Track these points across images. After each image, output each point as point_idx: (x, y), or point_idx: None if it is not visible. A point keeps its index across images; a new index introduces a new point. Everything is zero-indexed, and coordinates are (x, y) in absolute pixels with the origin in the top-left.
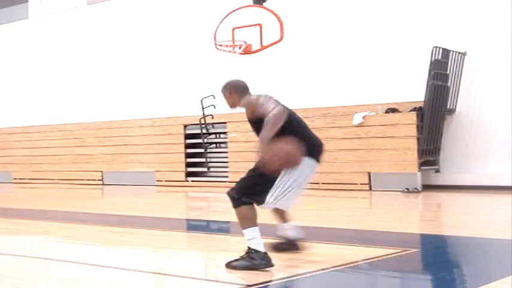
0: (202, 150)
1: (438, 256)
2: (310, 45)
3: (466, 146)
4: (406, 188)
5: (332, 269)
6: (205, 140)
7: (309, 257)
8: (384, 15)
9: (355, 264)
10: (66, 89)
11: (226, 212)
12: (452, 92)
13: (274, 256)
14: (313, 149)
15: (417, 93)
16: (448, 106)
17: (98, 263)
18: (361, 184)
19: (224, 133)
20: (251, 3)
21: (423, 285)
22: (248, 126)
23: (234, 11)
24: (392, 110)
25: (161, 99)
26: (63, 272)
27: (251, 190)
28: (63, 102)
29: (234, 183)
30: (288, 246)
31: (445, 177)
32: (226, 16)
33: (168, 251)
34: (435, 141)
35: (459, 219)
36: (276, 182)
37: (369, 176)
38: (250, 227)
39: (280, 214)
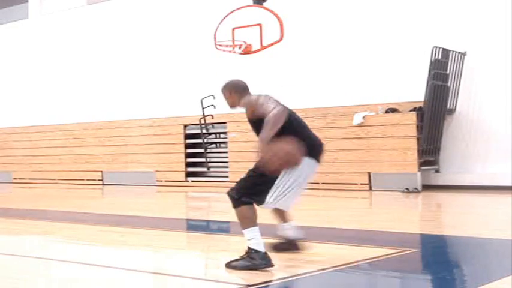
0: (202, 150)
1: (438, 256)
2: (310, 45)
3: (466, 146)
4: (406, 188)
5: (332, 269)
6: (205, 140)
7: (309, 257)
8: (384, 15)
9: (355, 264)
10: (66, 89)
11: (226, 212)
12: (452, 92)
13: (274, 256)
14: (313, 149)
15: (417, 93)
16: (448, 106)
17: (98, 263)
18: (361, 184)
19: (224, 133)
20: (251, 3)
21: (423, 285)
22: (248, 126)
23: (234, 11)
24: (392, 110)
25: (161, 99)
26: (63, 272)
27: (251, 190)
28: (63, 102)
29: (234, 183)
30: (288, 246)
31: (445, 177)
32: (226, 16)
33: (168, 251)
34: (435, 141)
35: (459, 219)
36: (276, 182)
37: (369, 176)
38: (250, 227)
39: (280, 214)
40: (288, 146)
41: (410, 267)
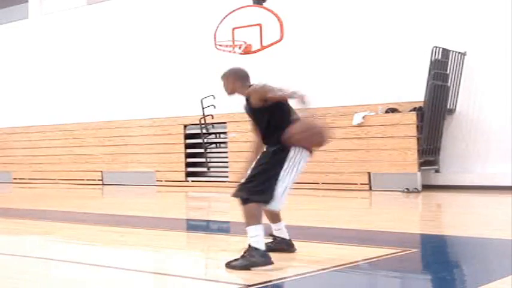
0: (202, 150)
1: (438, 256)
2: (310, 45)
3: (466, 146)
4: (406, 188)
5: (332, 269)
6: (205, 140)
7: (309, 257)
8: (384, 15)
9: (355, 264)
10: (66, 89)
11: (226, 212)
12: (452, 92)
13: (273, 256)
14: None
15: (417, 93)
16: (448, 106)
17: (98, 263)
18: (361, 184)
19: (224, 133)
20: (251, 3)
21: (423, 285)
22: (248, 126)
23: (234, 11)
24: (392, 110)
25: (161, 99)
26: (63, 272)
27: (260, 187)
28: (63, 102)
29: (236, 184)
30: (282, 246)
31: (445, 177)
32: (226, 16)
33: (168, 251)
34: (435, 141)
35: (459, 219)
36: (280, 177)
37: (369, 176)
38: (255, 224)
39: (272, 214)
40: (322, 125)
41: (410, 267)
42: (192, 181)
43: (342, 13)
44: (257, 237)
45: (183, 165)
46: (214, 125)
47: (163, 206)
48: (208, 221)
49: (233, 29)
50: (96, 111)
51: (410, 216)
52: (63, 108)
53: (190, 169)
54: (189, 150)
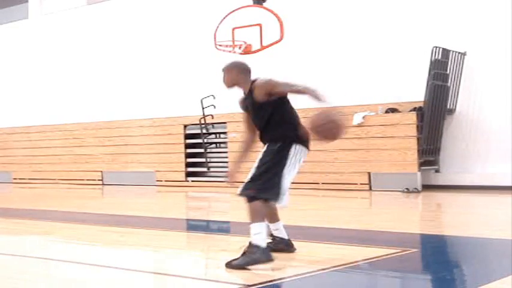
0: (202, 150)
1: (438, 256)
2: (310, 45)
3: (466, 146)
4: (406, 188)
5: (332, 269)
6: (205, 140)
7: (309, 257)
8: (384, 15)
9: (355, 264)
10: (66, 89)
11: (226, 212)
12: (452, 92)
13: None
14: (306, 137)
15: (417, 93)
16: (448, 106)
17: (98, 263)
18: (361, 184)
19: (224, 133)
20: (251, 3)
21: (423, 285)
22: None
23: (234, 11)
24: (392, 110)
25: (161, 99)
26: (63, 272)
27: (267, 185)
28: (63, 102)
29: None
30: (281, 246)
31: (445, 177)
32: (226, 16)
33: (168, 251)
34: (435, 141)
35: (459, 219)
36: (284, 174)
37: (369, 176)
38: (259, 222)
39: (270, 214)
40: (340, 117)
41: (410, 267)
42: (192, 181)
43: (342, 13)
44: (260, 234)
45: (183, 165)
46: (214, 125)
47: (163, 206)
48: (208, 221)
49: (233, 29)
50: (96, 111)
51: (410, 216)
52: (63, 108)
53: (190, 169)
54: (189, 150)
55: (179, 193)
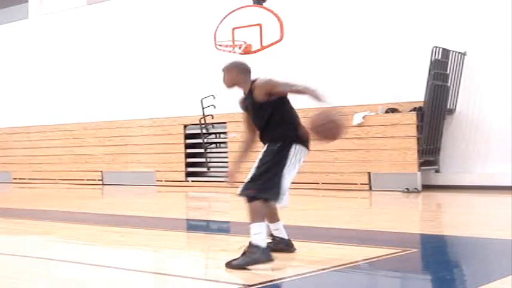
0: (202, 150)
1: (438, 256)
2: (310, 45)
3: (466, 146)
4: (406, 188)
5: (332, 269)
6: (205, 140)
7: (309, 257)
8: (384, 15)
9: (355, 264)
10: (66, 89)
11: (226, 212)
12: (452, 92)
13: (273, 256)
14: (306, 137)
15: (417, 93)
16: (448, 106)
17: (98, 263)
18: (361, 184)
19: (224, 133)
20: (251, 3)
21: (423, 285)
22: None
23: (234, 11)
24: (392, 110)
25: (161, 99)
26: (63, 272)
27: (267, 185)
28: (63, 102)
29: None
30: (281, 246)
31: (445, 177)
32: (226, 16)
33: (168, 251)
34: (435, 141)
35: (459, 219)
36: (284, 174)
37: (369, 176)
38: (259, 222)
39: (271, 214)
40: (340, 117)
41: (410, 267)
42: (192, 181)
43: (342, 13)
44: (260, 234)
45: (183, 165)
46: (214, 125)
47: (163, 206)
48: (208, 221)
49: (233, 29)
50: (96, 111)
51: (410, 216)
52: (63, 108)
53: (190, 169)
54: (189, 150)
55: (179, 193)
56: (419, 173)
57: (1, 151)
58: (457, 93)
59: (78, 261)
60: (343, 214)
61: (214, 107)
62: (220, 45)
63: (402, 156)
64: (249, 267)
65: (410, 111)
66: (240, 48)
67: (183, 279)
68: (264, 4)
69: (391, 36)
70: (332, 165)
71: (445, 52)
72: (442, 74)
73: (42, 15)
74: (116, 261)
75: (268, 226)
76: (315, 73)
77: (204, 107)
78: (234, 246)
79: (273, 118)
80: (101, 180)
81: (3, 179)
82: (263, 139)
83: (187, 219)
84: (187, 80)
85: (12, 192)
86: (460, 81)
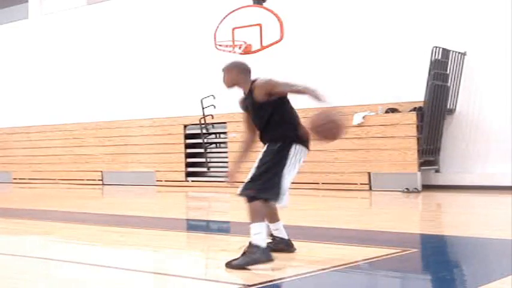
0: (202, 150)
1: (438, 256)
2: (310, 45)
3: (466, 146)
4: (406, 188)
5: (332, 269)
6: (205, 140)
7: (309, 257)
8: (384, 15)
9: (355, 264)
10: (66, 89)
11: (226, 212)
12: (452, 92)
13: (273, 256)
14: (306, 137)
15: (417, 93)
16: (448, 106)
17: (98, 263)
18: (361, 184)
19: (224, 133)
20: (251, 3)
21: (423, 285)
22: None
23: (234, 11)
24: (392, 110)
25: (161, 99)
26: (63, 272)
27: (267, 185)
28: (63, 102)
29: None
30: (281, 246)
31: (445, 177)
32: (226, 16)
33: (168, 251)
34: (435, 141)
35: (459, 219)
36: (284, 174)
37: (369, 176)
38: (259, 222)
39: (271, 214)
40: (340, 117)
41: (410, 267)
42: (192, 181)
43: (342, 13)
44: (259, 234)
45: (183, 165)
46: (214, 125)
47: (163, 206)
48: (208, 221)
49: (233, 29)
50: (96, 111)
51: (410, 216)
52: (63, 108)
53: (190, 169)
54: (189, 150)
55: (179, 193)
56: (419, 173)
57: (1, 151)
58: (457, 93)
59: (78, 261)
60: (343, 214)
61: (214, 107)
62: (220, 45)
63: (402, 156)
64: (249, 267)
65: (410, 111)
66: (240, 48)
67: (183, 279)
68: (264, 4)
69: (391, 36)
70: (332, 165)
71: (445, 52)
72: (442, 74)
73: (42, 15)
74: (116, 261)
75: (268, 226)
76: (315, 73)
77: (204, 107)
78: (234, 246)
79: (273, 118)
80: (101, 180)
81: (3, 179)
82: (263, 139)
83: (187, 219)
84: (187, 80)
85: (12, 192)
86: (460, 81)
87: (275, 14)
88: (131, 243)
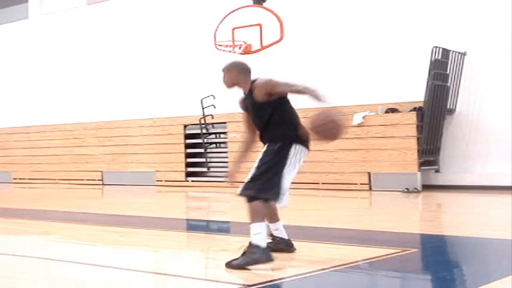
0: (202, 150)
1: (438, 256)
2: (310, 45)
3: (466, 146)
4: (406, 188)
5: (332, 269)
6: (205, 140)
7: (309, 257)
8: (384, 15)
9: (355, 264)
10: (66, 89)
11: (226, 212)
12: (452, 92)
13: (273, 256)
14: (306, 137)
15: (417, 93)
16: (448, 106)
17: (98, 263)
18: (361, 184)
19: (224, 133)
20: (251, 3)
21: (423, 285)
22: None
23: (234, 11)
24: (392, 110)
25: (161, 99)
26: (63, 272)
27: (267, 185)
28: (63, 102)
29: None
30: (281, 246)
31: (445, 177)
32: (226, 16)
33: (168, 251)
34: (435, 141)
35: (459, 219)
36: (284, 174)
37: (369, 176)
38: (259, 222)
39: (271, 214)
40: (340, 117)
41: (410, 267)
42: (192, 181)
43: (342, 13)
44: (260, 234)
45: (183, 165)
46: (214, 125)
47: (163, 206)
48: (208, 221)
49: (233, 29)
50: (96, 111)
51: (410, 216)
52: (63, 108)
53: (190, 169)
54: (189, 150)
55: (179, 193)
56: (419, 173)
57: (1, 151)
58: (457, 93)
59: (78, 261)
60: (343, 214)
61: (214, 107)
62: (220, 45)
63: (402, 156)
64: (249, 267)
65: (410, 111)
66: (240, 48)
67: (183, 279)
68: (264, 4)
69: (391, 36)
70: (332, 165)
71: (445, 52)
72: (442, 74)
73: (42, 15)
74: (116, 261)
75: (268, 226)
76: (315, 73)
77: (204, 107)
78: (234, 246)
79: (273, 118)
80: (101, 180)
81: (3, 179)
82: (263, 139)
83: (187, 219)
84: (187, 80)
85: (12, 192)
86: (460, 81)
87: (275, 14)
88: (131, 243)
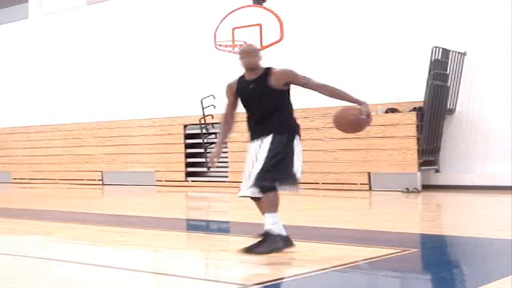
0: (202, 150)
1: (438, 256)
2: (310, 45)
3: (466, 146)
4: (406, 188)
5: (332, 269)
6: (205, 140)
7: (309, 257)
8: (384, 15)
9: (355, 264)
10: (66, 89)
11: (226, 212)
12: (452, 92)
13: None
14: (299, 129)
15: (417, 93)
16: (448, 106)
17: (98, 263)
18: (361, 184)
19: None
20: (251, 3)
21: (423, 285)
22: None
23: (234, 11)
24: (392, 110)
25: (161, 99)
26: (63, 272)
27: (284, 174)
28: (63, 102)
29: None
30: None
31: (445, 177)
32: (226, 16)
33: (168, 251)
34: (435, 141)
35: (459, 219)
36: (295, 163)
37: (369, 176)
38: (275, 212)
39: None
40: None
41: (410, 267)
42: (192, 181)
43: (342, 13)
44: (277, 224)
45: (183, 165)
46: (214, 125)
47: (163, 206)
48: (208, 221)
49: (233, 29)
50: (96, 111)
51: (410, 216)
52: (63, 108)
53: (190, 169)
54: (189, 150)
55: (179, 193)
56: (419, 173)
57: (1, 151)
58: (457, 93)
59: (78, 261)
60: (343, 214)
61: (214, 107)
62: (220, 45)
63: (402, 156)
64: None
65: (410, 111)
66: (240, 48)
67: (183, 279)
68: (264, 4)
69: (391, 36)
70: (332, 165)
71: (445, 52)
72: (442, 74)
73: (42, 15)
74: (116, 261)
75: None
76: (315, 73)
77: (204, 107)
78: (234, 246)
79: (280, 107)
80: (101, 180)
81: (3, 179)
82: (260, 128)
83: (187, 219)
84: (187, 80)
85: (12, 192)
86: (460, 81)
87: (275, 14)
88: (131, 243)
